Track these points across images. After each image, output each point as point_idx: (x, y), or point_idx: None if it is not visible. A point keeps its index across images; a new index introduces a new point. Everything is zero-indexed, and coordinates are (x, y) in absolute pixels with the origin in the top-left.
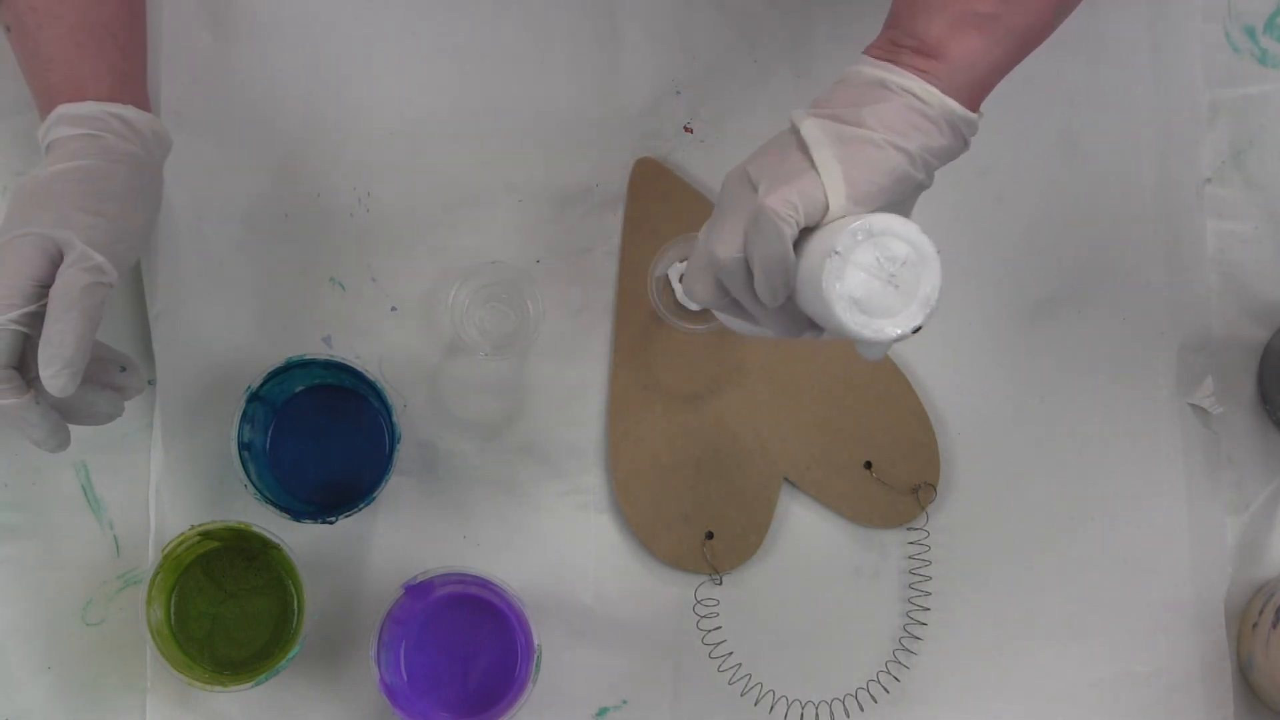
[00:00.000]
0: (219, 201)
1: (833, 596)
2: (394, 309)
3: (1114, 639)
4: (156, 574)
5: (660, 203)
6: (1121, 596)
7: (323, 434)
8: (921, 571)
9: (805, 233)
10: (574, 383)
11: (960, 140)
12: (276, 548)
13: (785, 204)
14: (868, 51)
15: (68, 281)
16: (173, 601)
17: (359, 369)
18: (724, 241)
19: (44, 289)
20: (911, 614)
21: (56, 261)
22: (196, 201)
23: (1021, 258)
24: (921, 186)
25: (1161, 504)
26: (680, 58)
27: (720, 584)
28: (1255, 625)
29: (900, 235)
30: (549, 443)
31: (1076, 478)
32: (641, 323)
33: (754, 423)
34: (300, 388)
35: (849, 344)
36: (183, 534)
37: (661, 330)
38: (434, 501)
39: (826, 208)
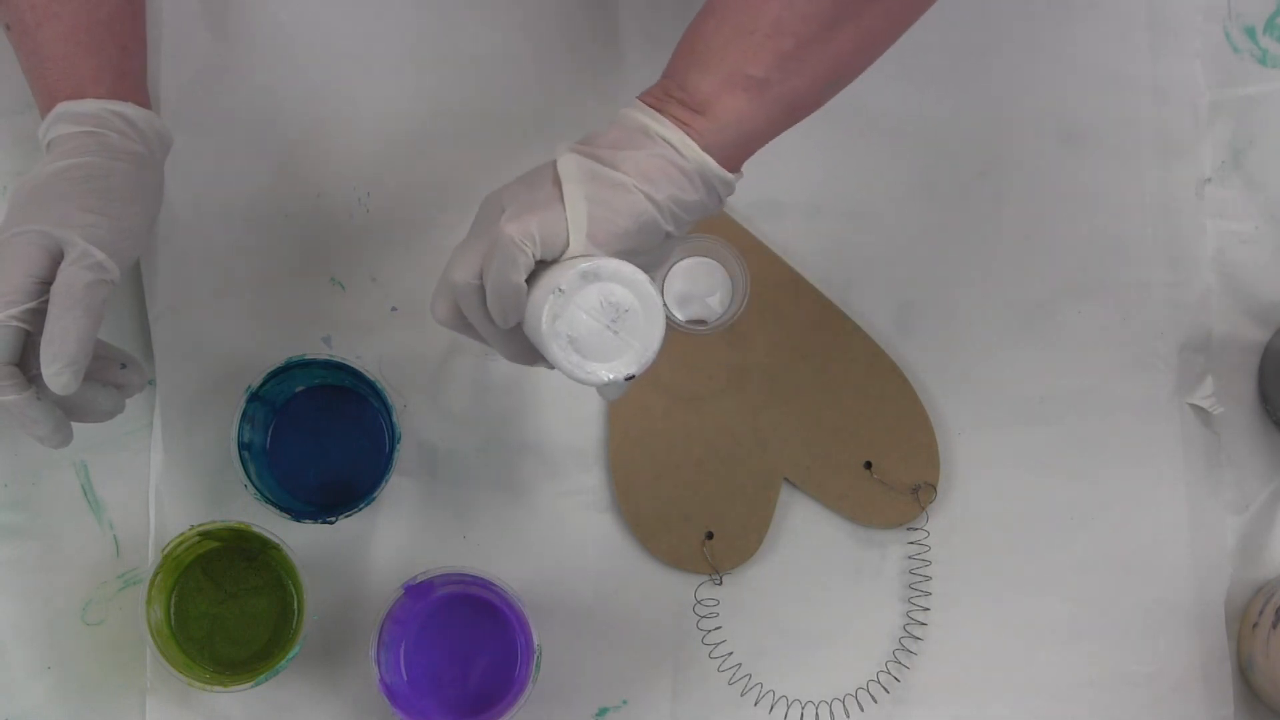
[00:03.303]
0: (219, 201)
1: (833, 596)
2: (394, 309)
3: (1114, 639)
4: (156, 574)
5: None
6: (1122, 596)
7: (323, 434)
8: (921, 571)
9: (543, 266)
10: (574, 382)
11: (714, 197)
12: (276, 548)
13: (523, 233)
14: (642, 96)
15: (69, 279)
16: (173, 601)
17: (359, 369)
18: (462, 265)
19: (45, 286)
20: (911, 614)
21: (57, 259)
22: (197, 201)
23: (1021, 257)
24: (671, 238)
25: (1161, 504)
26: None
27: (720, 584)
28: (1255, 625)
29: (628, 283)
30: (549, 443)
31: (1076, 478)
32: None
33: (754, 423)
34: (300, 388)
35: (847, 345)
36: (182, 534)
37: None
38: (434, 501)
39: (567, 244)
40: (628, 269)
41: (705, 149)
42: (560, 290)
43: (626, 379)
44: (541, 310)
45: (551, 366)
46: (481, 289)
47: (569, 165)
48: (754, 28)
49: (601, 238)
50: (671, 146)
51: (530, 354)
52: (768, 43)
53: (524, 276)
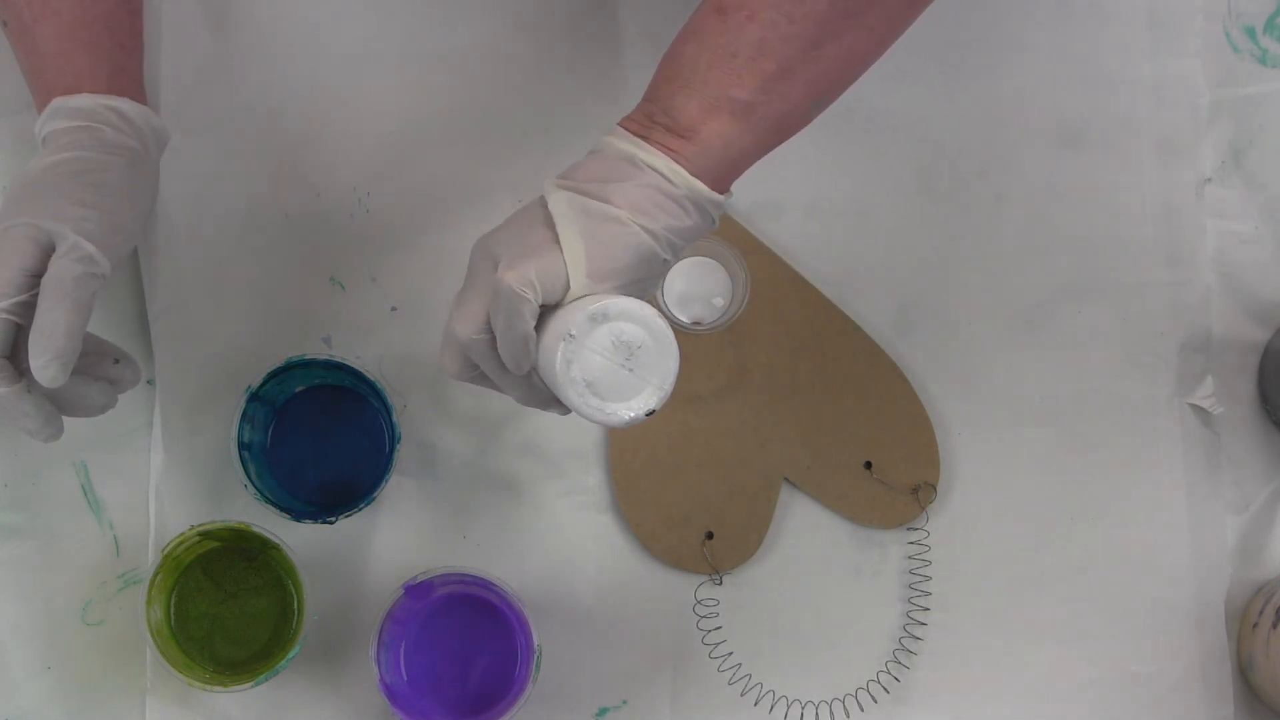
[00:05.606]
0: (219, 201)
1: (833, 596)
2: (394, 309)
3: (1114, 639)
4: (156, 574)
5: None
6: (1121, 596)
7: (323, 434)
8: (921, 571)
9: (548, 309)
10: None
11: (707, 219)
12: (276, 548)
13: (522, 281)
14: (623, 123)
15: (59, 272)
16: (173, 601)
17: (359, 369)
18: (465, 320)
19: (36, 279)
20: (911, 614)
21: (49, 252)
22: (196, 201)
23: (1021, 257)
24: (667, 264)
25: (1161, 504)
26: None
27: (720, 584)
28: (1255, 625)
29: (637, 320)
30: (549, 443)
31: (1076, 478)
32: None
33: (754, 423)
34: (300, 388)
35: (847, 345)
36: (182, 534)
37: None
38: (434, 501)
39: (568, 285)
40: (635, 305)
41: (694, 174)
42: (570, 336)
43: (648, 414)
44: (554, 357)
45: (567, 410)
46: (490, 341)
47: (559, 204)
48: (736, 50)
49: (602, 275)
50: (660, 175)
51: (546, 398)
52: (751, 65)
53: (532, 324)
